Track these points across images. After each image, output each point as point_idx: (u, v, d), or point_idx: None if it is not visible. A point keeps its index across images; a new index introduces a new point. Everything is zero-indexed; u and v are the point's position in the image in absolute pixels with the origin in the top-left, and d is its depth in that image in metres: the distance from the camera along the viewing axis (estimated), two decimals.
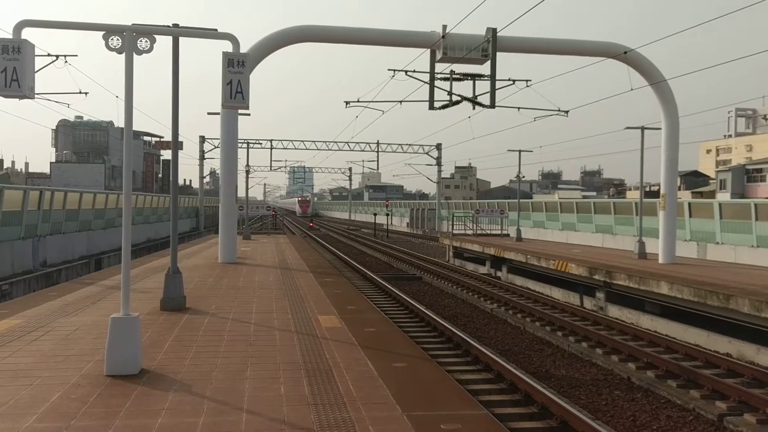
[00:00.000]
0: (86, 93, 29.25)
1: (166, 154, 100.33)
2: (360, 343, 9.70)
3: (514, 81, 23.33)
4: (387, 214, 68.14)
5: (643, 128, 23.54)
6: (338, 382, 7.58)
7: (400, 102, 26.02)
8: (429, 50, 22.20)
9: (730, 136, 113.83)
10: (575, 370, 12.51)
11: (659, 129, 22.93)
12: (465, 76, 22.71)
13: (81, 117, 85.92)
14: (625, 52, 21.69)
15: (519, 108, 24.55)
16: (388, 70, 22.71)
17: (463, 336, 13.54)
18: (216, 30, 10.74)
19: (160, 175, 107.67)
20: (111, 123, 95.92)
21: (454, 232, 40.95)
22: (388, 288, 21.41)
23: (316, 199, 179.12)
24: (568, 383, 11.49)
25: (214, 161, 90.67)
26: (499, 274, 28.20)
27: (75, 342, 9.49)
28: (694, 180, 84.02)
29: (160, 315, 11.71)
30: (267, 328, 10.69)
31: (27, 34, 7.94)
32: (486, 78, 22.47)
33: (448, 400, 7.11)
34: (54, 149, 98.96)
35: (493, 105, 22.61)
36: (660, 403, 10.44)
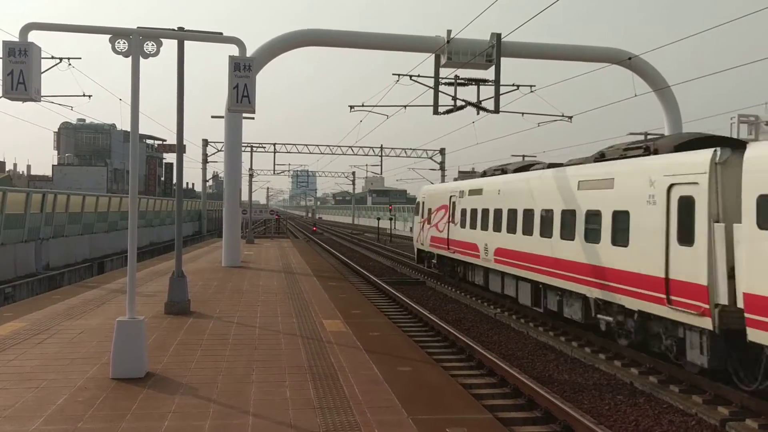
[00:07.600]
0: (90, 96, 29.32)
1: (169, 157, 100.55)
2: (365, 347, 9.72)
3: (518, 86, 23.35)
4: (390, 219, 68.21)
5: (646, 134, 23.53)
6: (344, 386, 7.60)
7: (405, 107, 26.04)
8: (434, 55, 22.25)
9: None
10: (578, 375, 12.50)
11: (662, 135, 22.96)
12: (469, 81, 22.74)
13: (83, 120, 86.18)
14: (630, 58, 21.75)
15: (523, 113, 24.56)
16: (393, 74, 22.71)
17: (466, 341, 13.54)
18: (221, 33, 10.79)
19: (162, 178, 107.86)
20: (113, 126, 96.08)
21: None
22: (391, 292, 21.40)
23: (318, 203, 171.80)
24: (571, 388, 11.48)
25: (217, 165, 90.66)
26: None
27: (80, 345, 9.52)
28: None
29: (165, 318, 11.74)
30: (272, 332, 10.71)
31: (32, 37, 8.00)
32: (490, 83, 22.51)
33: (452, 404, 7.12)
34: (56, 152, 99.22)
35: (497, 110, 22.65)
36: (662, 408, 10.43)
